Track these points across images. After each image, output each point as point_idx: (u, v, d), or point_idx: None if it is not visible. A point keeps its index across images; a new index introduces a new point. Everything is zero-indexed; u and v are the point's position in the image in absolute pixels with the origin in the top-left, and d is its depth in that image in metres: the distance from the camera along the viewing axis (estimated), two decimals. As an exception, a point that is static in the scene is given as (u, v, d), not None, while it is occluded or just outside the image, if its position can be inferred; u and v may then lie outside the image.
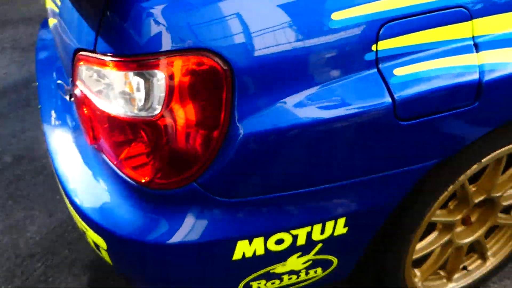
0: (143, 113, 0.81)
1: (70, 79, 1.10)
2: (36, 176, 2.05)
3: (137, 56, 0.78)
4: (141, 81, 0.79)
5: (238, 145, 0.82)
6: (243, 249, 0.92)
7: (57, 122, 1.26)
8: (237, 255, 0.93)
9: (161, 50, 0.76)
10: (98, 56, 0.83)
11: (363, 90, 0.84)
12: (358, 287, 1.36)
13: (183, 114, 0.80)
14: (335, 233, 0.97)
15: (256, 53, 0.78)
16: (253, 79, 0.79)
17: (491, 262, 1.36)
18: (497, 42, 0.91)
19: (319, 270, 1.06)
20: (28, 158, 2.16)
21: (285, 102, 0.82)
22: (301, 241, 0.95)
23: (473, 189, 1.14)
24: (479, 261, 1.37)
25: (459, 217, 1.16)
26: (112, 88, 0.83)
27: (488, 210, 1.27)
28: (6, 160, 2.15)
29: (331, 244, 0.99)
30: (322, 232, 0.96)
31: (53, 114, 1.30)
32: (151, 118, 0.80)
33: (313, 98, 0.83)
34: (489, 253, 1.35)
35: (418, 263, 1.25)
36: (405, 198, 0.98)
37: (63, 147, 1.15)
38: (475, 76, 0.88)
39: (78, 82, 0.93)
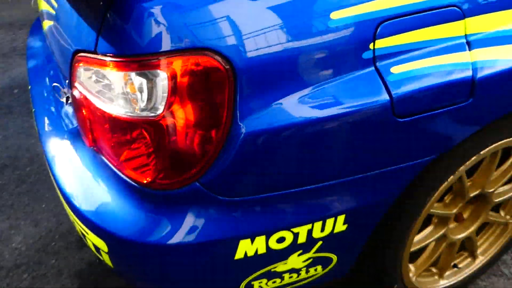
0: (146, 113, 0.81)
1: (67, 81, 1.10)
2: (20, 185, 2.03)
3: (139, 56, 0.78)
4: (143, 81, 0.79)
5: (240, 144, 0.83)
6: (245, 248, 0.93)
7: (52, 126, 1.25)
8: (239, 254, 0.93)
9: (163, 50, 0.77)
10: (99, 57, 0.83)
11: (362, 88, 0.85)
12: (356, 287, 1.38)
13: (185, 114, 0.80)
14: (335, 231, 0.98)
15: (257, 52, 0.79)
16: (254, 78, 0.80)
17: (480, 260, 1.40)
18: (489, 40, 0.94)
19: (319, 268, 1.07)
20: (12, 167, 2.14)
21: (286, 101, 0.83)
22: (302, 239, 0.96)
23: (469, 183, 1.16)
24: (469, 259, 1.40)
25: (454, 210, 1.19)
26: (113, 89, 0.84)
27: (480, 207, 1.30)
28: (-11, 169, 2.13)
29: (331, 241, 1.00)
30: (322, 229, 0.97)
31: (48, 118, 1.29)
32: (154, 118, 0.80)
33: (313, 96, 0.84)
34: (478, 252, 1.40)
35: (413, 258, 1.27)
36: (405, 192, 1.00)
37: (60, 150, 1.14)
38: (469, 73, 0.91)
39: (76, 84, 0.92)
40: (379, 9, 0.84)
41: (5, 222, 1.83)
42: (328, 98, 0.84)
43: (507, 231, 1.40)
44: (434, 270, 1.35)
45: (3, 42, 3.28)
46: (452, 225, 1.30)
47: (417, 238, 1.19)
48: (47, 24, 1.23)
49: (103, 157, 0.97)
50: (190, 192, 0.87)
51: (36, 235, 1.77)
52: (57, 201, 1.92)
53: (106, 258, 1.00)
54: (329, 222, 0.96)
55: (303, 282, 1.09)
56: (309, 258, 1.02)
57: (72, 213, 1.03)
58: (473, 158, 1.05)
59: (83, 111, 0.91)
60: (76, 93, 0.91)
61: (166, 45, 0.77)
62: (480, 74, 0.91)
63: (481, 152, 1.06)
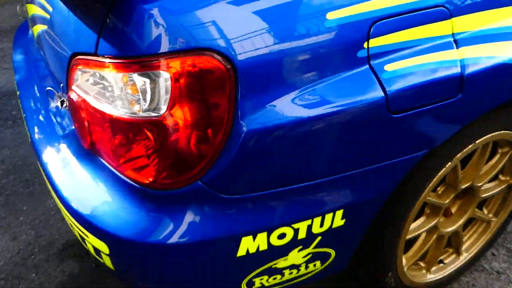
0: (148, 114, 0.82)
1: (62, 85, 1.10)
2: (-4, 198, 1.98)
3: (141, 57, 0.80)
4: (146, 82, 0.81)
5: (241, 142, 0.84)
6: (247, 245, 0.94)
7: (45, 131, 1.24)
8: (241, 252, 0.95)
9: (165, 50, 0.78)
10: (100, 59, 0.84)
11: (358, 85, 0.88)
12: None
13: (188, 113, 0.81)
14: (334, 225, 1.01)
15: (257, 52, 0.81)
16: (255, 77, 0.82)
17: (464, 257, 1.46)
18: (475, 38, 0.98)
19: (318, 263, 1.09)
20: (-13, 180, 2.09)
21: (285, 99, 0.85)
22: (302, 234, 0.98)
23: (461, 175, 1.21)
24: (453, 256, 1.46)
25: (446, 201, 1.24)
26: (114, 90, 0.84)
27: (467, 201, 1.36)
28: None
29: (329, 236, 1.02)
30: (322, 225, 0.99)
31: (40, 123, 1.29)
32: (156, 118, 0.81)
33: (312, 94, 0.86)
34: (463, 248, 1.46)
35: (404, 251, 1.31)
36: (401, 184, 1.03)
37: (55, 154, 1.14)
38: (457, 70, 0.95)
39: (74, 87, 0.93)
40: (372, 9, 0.87)
41: (-18, 236, 1.79)
42: (327, 95, 0.87)
43: (489, 229, 1.47)
44: (422, 264, 1.40)
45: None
46: (441, 219, 1.35)
47: (412, 226, 1.24)
48: (39, 28, 1.23)
49: (101, 159, 0.98)
50: (192, 191, 0.89)
51: (15, 249, 1.73)
52: (35, 213, 1.90)
53: (106, 260, 1.00)
54: (328, 217, 0.98)
55: (303, 278, 1.11)
56: (308, 254, 1.04)
57: (70, 217, 1.02)
58: (469, 147, 1.11)
59: (81, 113, 0.92)
60: (73, 96, 0.92)
61: (168, 45, 0.78)
62: (468, 71, 0.95)
63: (477, 142, 1.12)
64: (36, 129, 1.27)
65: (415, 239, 1.32)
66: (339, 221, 1.01)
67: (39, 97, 1.39)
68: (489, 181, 1.34)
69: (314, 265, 1.09)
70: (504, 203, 1.44)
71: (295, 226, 0.96)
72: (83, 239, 1.03)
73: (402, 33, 0.91)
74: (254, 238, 0.94)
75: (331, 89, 0.87)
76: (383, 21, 0.88)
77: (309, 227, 0.98)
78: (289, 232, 0.97)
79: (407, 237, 1.22)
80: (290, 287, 1.13)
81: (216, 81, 0.80)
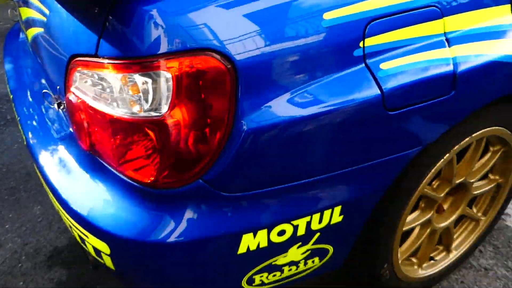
0: (150, 113, 0.83)
1: (58, 87, 1.10)
2: (-21, 207, 1.96)
3: (142, 58, 0.81)
4: (147, 82, 0.81)
5: (241, 141, 0.86)
6: (248, 242, 0.96)
7: (41, 133, 1.24)
8: (242, 249, 0.96)
9: (166, 51, 0.79)
10: (101, 60, 0.84)
11: (355, 84, 0.90)
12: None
13: (189, 113, 0.82)
14: (332, 222, 1.02)
15: (256, 52, 0.83)
16: (254, 77, 0.84)
17: (454, 255, 1.50)
18: (466, 37, 1.01)
19: (316, 259, 1.10)
20: (-29, 188, 2.07)
21: (284, 98, 0.87)
22: (301, 231, 1.00)
23: (456, 169, 1.25)
24: (444, 253, 1.50)
25: (441, 195, 1.27)
26: (115, 91, 0.85)
27: (459, 197, 1.40)
28: None
29: (327, 232, 1.04)
30: (320, 221, 1.01)
31: (35, 125, 1.28)
32: (158, 117, 0.82)
33: (310, 92, 0.88)
34: (453, 246, 1.50)
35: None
36: (398, 178, 1.06)
37: (53, 157, 1.14)
38: (450, 68, 0.97)
39: (73, 89, 0.93)
40: (367, 9, 0.90)
41: (-33, 246, 1.77)
42: (325, 94, 0.88)
43: (478, 227, 1.52)
44: (414, 260, 1.43)
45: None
46: (435, 215, 1.38)
47: (408, 218, 1.27)
48: (34, 31, 1.23)
49: (100, 160, 0.98)
50: (193, 189, 0.90)
51: (1, 257, 1.71)
52: (21, 221, 1.89)
53: (107, 260, 1.00)
54: (327, 213, 1.00)
55: (301, 274, 1.13)
56: (307, 250, 1.06)
57: (70, 218, 1.02)
58: (466, 139, 1.15)
59: (80, 115, 0.92)
60: (72, 97, 0.92)
61: (169, 46, 0.79)
62: (460, 69, 0.98)
63: (470, 136, 1.15)
64: (31, 133, 1.27)
65: (409, 234, 1.36)
66: (337, 217, 1.02)
67: (33, 100, 1.39)
68: (480, 179, 1.38)
69: (313, 262, 1.11)
70: (492, 202, 1.49)
71: (295, 222, 0.98)
72: (83, 240, 1.03)
73: (397, 32, 0.93)
74: (254, 235, 0.95)
75: (329, 87, 0.89)
76: (378, 20, 0.91)
77: (308, 224, 1.00)
78: (288, 228, 0.98)
79: (404, 228, 1.25)
80: (289, 284, 1.14)
81: (216, 81, 0.82)
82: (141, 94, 0.83)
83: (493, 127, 1.19)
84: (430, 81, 0.95)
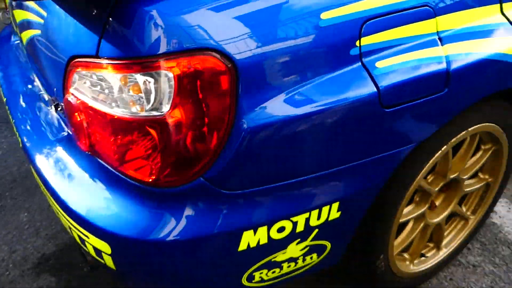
0: (151, 113, 0.84)
1: (55, 89, 1.11)
2: (-35, 216, 1.93)
3: (143, 58, 0.81)
4: (149, 82, 0.82)
5: (242, 139, 0.87)
6: (248, 239, 0.97)
7: (37, 136, 1.24)
8: (242, 246, 0.97)
9: (167, 51, 0.80)
10: (102, 60, 0.85)
11: (352, 82, 0.92)
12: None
13: (190, 111, 0.84)
14: (330, 218, 1.04)
15: (256, 51, 0.84)
16: (254, 75, 0.85)
17: (444, 252, 1.54)
18: (458, 36, 1.04)
19: (314, 256, 1.12)
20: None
21: (283, 96, 0.89)
22: (300, 227, 1.01)
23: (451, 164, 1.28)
24: (434, 250, 1.54)
25: (436, 189, 1.31)
26: (116, 91, 0.86)
27: (451, 194, 1.44)
28: None
29: (326, 229, 1.06)
30: (319, 217, 1.02)
31: (31, 128, 1.28)
32: (160, 117, 0.83)
33: (309, 91, 0.90)
34: (442, 244, 1.53)
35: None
36: (395, 173, 1.08)
37: (51, 159, 1.14)
38: (443, 66, 1.00)
39: (72, 90, 0.94)
40: (363, 9, 0.92)
41: (-47, 255, 1.74)
42: (323, 92, 0.90)
43: (467, 226, 1.56)
44: (406, 256, 1.46)
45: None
46: (427, 211, 1.41)
47: (405, 211, 1.30)
48: (29, 34, 1.23)
49: (100, 161, 0.98)
50: (195, 187, 0.90)
51: None
52: (7, 228, 1.87)
53: (108, 260, 1.01)
54: (325, 210, 1.02)
55: (300, 270, 1.14)
56: (306, 247, 1.07)
57: (70, 219, 1.03)
58: (462, 133, 1.18)
59: (79, 116, 0.92)
60: (71, 98, 0.92)
61: (170, 45, 0.80)
62: (453, 67, 1.01)
63: (469, 129, 1.19)
64: (28, 135, 1.26)
65: (403, 229, 1.39)
66: (335, 214, 1.04)
67: (28, 103, 1.39)
68: (471, 178, 1.43)
69: (311, 258, 1.12)
70: (481, 202, 1.53)
71: (294, 219, 0.99)
72: (83, 241, 1.04)
73: (392, 31, 0.95)
74: (255, 232, 0.97)
75: (327, 86, 0.91)
76: (374, 20, 0.93)
77: (307, 220, 1.01)
78: (288, 225, 1.00)
79: (401, 220, 1.27)
80: (288, 280, 1.16)
81: (217, 80, 0.83)
82: (142, 93, 0.84)
83: (485, 123, 1.22)
84: (424, 79, 0.98)
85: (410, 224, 1.39)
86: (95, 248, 1.01)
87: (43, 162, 1.14)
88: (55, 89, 1.11)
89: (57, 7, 0.96)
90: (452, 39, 1.03)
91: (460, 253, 1.67)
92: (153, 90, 0.83)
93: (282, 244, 1.03)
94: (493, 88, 1.11)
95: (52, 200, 1.09)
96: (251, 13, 0.84)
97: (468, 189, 1.44)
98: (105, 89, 0.88)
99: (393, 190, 1.13)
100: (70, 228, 1.07)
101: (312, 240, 1.07)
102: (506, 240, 1.74)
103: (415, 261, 1.48)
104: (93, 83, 0.89)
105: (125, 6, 0.81)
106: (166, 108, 0.83)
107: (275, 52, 0.85)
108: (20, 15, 1.31)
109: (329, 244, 1.12)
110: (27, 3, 1.21)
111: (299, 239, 1.04)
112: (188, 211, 0.94)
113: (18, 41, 1.65)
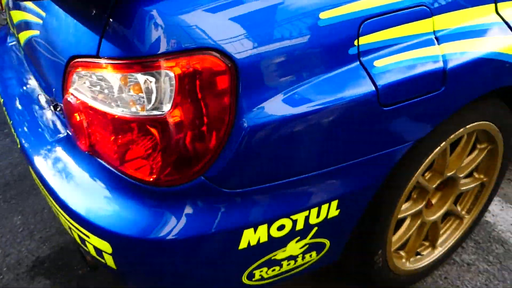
0: (152, 112, 0.84)
1: (54, 89, 1.11)
2: (-43, 219, 1.92)
3: (144, 58, 0.82)
4: (150, 82, 0.83)
5: (242, 138, 0.88)
6: (249, 237, 0.97)
7: (36, 136, 1.24)
8: (243, 244, 0.98)
9: (168, 50, 0.81)
10: (102, 60, 0.85)
11: (351, 81, 0.93)
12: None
13: (191, 111, 0.84)
14: (329, 216, 1.05)
15: (256, 50, 0.85)
16: (254, 75, 0.86)
17: (439, 251, 1.55)
18: (454, 35, 1.05)
19: (313, 254, 1.13)
20: None
21: (283, 95, 0.89)
22: (299, 225, 1.02)
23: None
24: (429, 249, 1.55)
25: (434, 186, 1.32)
26: (117, 91, 0.86)
27: (447, 192, 1.45)
28: None
29: (325, 226, 1.07)
30: (318, 215, 1.03)
31: (29, 128, 1.28)
32: (161, 116, 0.84)
33: (308, 91, 0.91)
34: (438, 243, 1.55)
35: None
36: (394, 170, 1.09)
37: (49, 159, 1.14)
38: (440, 64, 1.01)
39: (72, 90, 0.94)
40: (361, 9, 0.93)
41: None
42: (322, 91, 0.91)
43: (462, 225, 1.58)
44: (402, 253, 1.48)
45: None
46: (424, 209, 1.42)
47: (403, 207, 1.31)
48: (27, 34, 1.23)
49: (100, 160, 0.99)
50: (195, 186, 0.91)
51: None
52: (1, 231, 1.85)
53: (108, 260, 1.01)
54: (324, 208, 1.03)
55: (300, 268, 1.15)
56: (305, 245, 1.08)
57: (70, 220, 1.03)
58: (460, 130, 1.19)
59: (79, 116, 0.93)
60: (71, 98, 0.93)
61: (171, 45, 0.81)
62: (449, 65, 1.02)
63: (467, 126, 1.21)
64: (26, 136, 1.26)
65: (400, 225, 1.40)
66: (334, 212, 1.05)
67: (26, 104, 1.39)
68: (466, 177, 1.45)
69: (310, 256, 1.13)
70: (476, 201, 1.55)
71: (294, 217, 1.00)
72: (83, 241, 1.04)
73: (389, 31, 0.96)
74: (255, 231, 0.97)
75: (326, 85, 0.92)
76: (372, 19, 0.94)
77: (307, 218, 1.02)
78: (288, 223, 1.00)
79: (399, 216, 1.29)
80: (288, 278, 1.17)
81: (217, 79, 0.84)
82: (143, 93, 0.84)
83: (482, 121, 1.24)
84: (422, 78, 0.99)
85: (408, 221, 1.41)
86: (95, 248, 1.01)
87: (42, 163, 1.14)
88: (53, 90, 1.11)
89: (56, 7, 0.96)
90: (448, 38, 1.04)
91: (454, 252, 1.69)
92: (154, 90, 0.83)
93: (282, 242, 1.03)
94: (488, 86, 1.13)
95: (52, 200, 1.09)
96: (251, 13, 0.85)
97: (464, 188, 1.46)
98: (105, 89, 0.88)
99: (392, 187, 1.15)
100: (70, 228, 1.07)
101: (312, 238, 1.07)
102: (500, 238, 1.76)
103: (411, 259, 1.49)
104: (93, 83, 0.90)
105: (125, 6, 0.82)
106: (167, 107, 0.83)
107: (275, 51, 0.86)
108: (17, 16, 1.31)
109: (328, 242, 1.13)
110: (25, 3, 1.20)
111: (298, 237, 1.05)
112: (188, 210, 0.94)
113: (15, 42, 1.64)
